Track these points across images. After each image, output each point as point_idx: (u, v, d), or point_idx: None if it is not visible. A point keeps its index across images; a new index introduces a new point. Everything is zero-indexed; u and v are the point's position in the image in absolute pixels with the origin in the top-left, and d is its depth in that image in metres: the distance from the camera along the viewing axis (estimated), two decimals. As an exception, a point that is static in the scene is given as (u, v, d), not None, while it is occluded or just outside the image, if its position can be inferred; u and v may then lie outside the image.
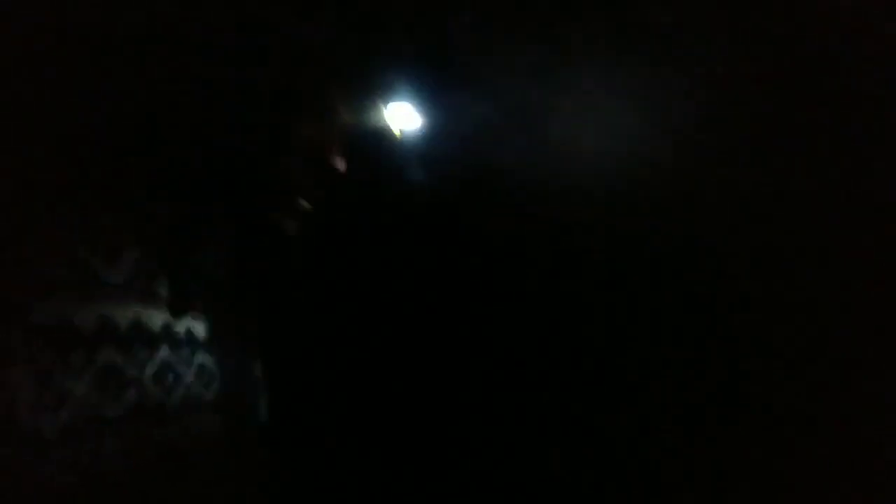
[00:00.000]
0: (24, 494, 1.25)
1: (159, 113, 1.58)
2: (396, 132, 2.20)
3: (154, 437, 1.49)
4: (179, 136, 1.60)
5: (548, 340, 2.29)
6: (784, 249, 2.18)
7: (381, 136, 2.16)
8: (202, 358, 1.76)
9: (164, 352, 1.61)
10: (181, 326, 1.69)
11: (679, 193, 2.29)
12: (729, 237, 2.25)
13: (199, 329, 1.77)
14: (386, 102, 2.13)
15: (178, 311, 1.69)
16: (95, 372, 1.41)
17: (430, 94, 2.23)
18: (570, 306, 2.30)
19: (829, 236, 2.12)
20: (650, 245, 2.29)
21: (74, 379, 1.37)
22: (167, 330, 1.62)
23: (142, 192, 1.61)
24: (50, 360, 1.34)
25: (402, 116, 2.46)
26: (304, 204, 1.80)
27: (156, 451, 1.49)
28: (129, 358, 1.49)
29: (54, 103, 1.52)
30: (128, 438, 1.42)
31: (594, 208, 2.28)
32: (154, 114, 1.57)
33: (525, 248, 2.31)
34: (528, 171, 2.27)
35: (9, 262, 1.37)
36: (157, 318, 1.61)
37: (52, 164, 1.53)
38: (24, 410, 1.28)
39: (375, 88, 2.02)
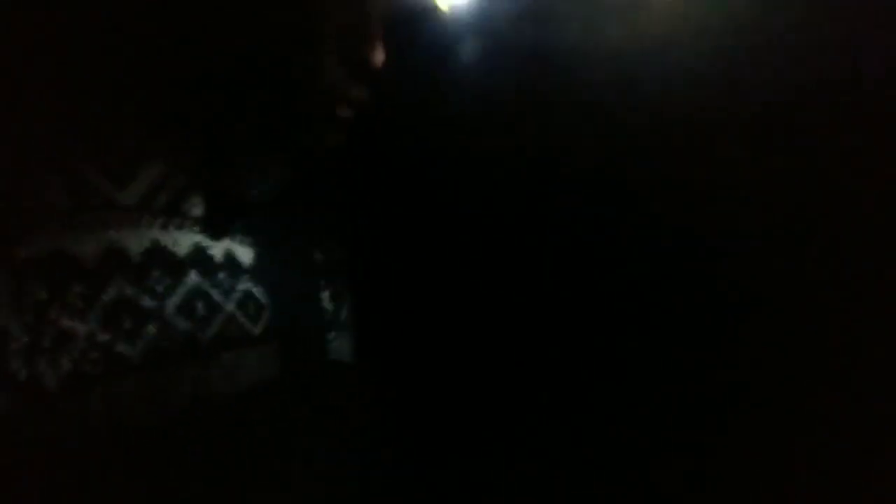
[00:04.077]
0: (24, 452, 1.10)
1: (180, 11, 1.32)
2: (444, 8, 1.80)
3: (184, 375, 1.29)
4: (202, 33, 1.34)
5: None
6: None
7: (426, 15, 1.78)
8: (247, 285, 1.54)
9: (192, 279, 1.39)
10: (216, 249, 1.47)
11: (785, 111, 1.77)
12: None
13: (243, 252, 1.54)
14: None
15: (216, 233, 1.46)
16: (101, 307, 1.22)
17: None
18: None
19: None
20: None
21: (75, 317, 1.19)
22: (197, 254, 1.40)
23: (161, 98, 1.37)
24: (43, 298, 1.16)
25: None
26: (344, 110, 1.47)
27: (188, 391, 1.29)
28: (145, 288, 1.29)
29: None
30: (150, 379, 1.23)
31: (675, 107, 1.80)
32: (175, 12, 1.31)
33: (593, 153, 1.87)
34: (602, 58, 1.80)
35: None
36: (182, 242, 1.39)
37: (45, 61, 1.32)
38: (17, 357, 1.11)
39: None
